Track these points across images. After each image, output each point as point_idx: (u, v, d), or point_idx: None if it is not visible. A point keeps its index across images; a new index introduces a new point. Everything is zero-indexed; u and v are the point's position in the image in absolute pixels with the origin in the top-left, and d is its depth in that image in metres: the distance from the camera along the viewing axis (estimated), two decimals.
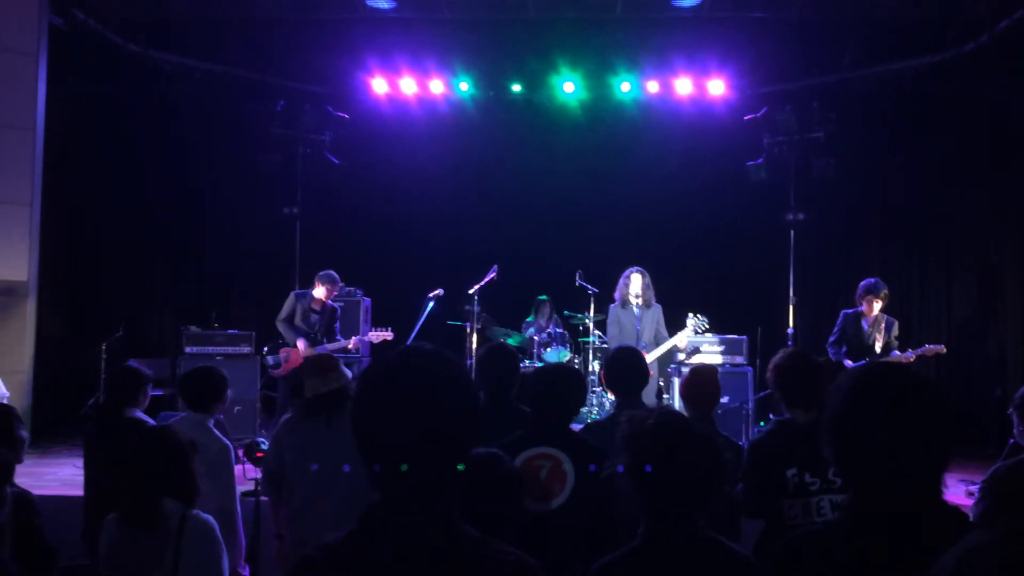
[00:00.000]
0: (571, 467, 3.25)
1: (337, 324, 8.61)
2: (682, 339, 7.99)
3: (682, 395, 4.34)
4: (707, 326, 8.26)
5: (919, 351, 7.72)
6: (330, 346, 8.35)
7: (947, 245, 10.58)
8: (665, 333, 8.21)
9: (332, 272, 8.52)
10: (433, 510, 1.52)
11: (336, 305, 8.73)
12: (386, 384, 1.56)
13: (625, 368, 4.14)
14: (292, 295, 8.54)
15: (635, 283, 8.11)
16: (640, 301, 8.09)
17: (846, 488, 1.80)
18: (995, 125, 9.83)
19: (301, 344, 8.30)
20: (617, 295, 8.34)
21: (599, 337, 9.97)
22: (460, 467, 1.54)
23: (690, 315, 8.26)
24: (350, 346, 8.45)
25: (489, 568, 1.50)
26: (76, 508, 4.74)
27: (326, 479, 3.82)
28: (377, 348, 10.10)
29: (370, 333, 8.84)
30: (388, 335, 8.72)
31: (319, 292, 8.42)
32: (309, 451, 3.90)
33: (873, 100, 10.48)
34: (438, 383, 1.54)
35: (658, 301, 8.39)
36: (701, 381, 4.26)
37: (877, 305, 7.72)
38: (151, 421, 4.69)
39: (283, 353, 8.42)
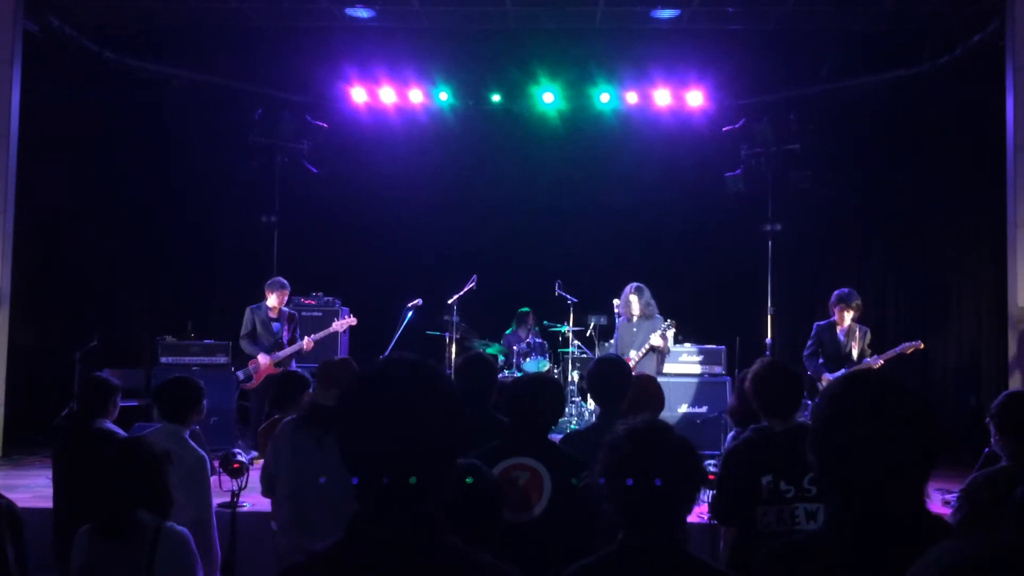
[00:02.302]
0: (548, 477, 3.24)
1: (298, 329, 8.61)
2: (655, 339, 8.02)
3: (625, 406, 4.37)
4: (672, 328, 8.28)
5: (896, 350, 7.76)
6: (290, 349, 8.37)
7: (923, 255, 10.68)
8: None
9: (280, 279, 8.60)
10: (417, 520, 1.51)
11: (293, 312, 8.75)
12: (368, 394, 1.55)
13: (606, 379, 4.14)
14: (248, 310, 8.52)
15: (633, 303, 8.15)
16: (641, 316, 8.12)
17: (822, 496, 1.80)
18: (970, 136, 9.96)
19: (262, 358, 8.30)
20: (620, 307, 8.37)
21: (579, 347, 9.98)
22: (469, 480, 1.54)
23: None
24: (305, 347, 8.43)
25: None
26: (47, 520, 4.67)
27: (311, 490, 3.80)
28: (356, 352, 10.06)
29: (335, 323, 8.80)
30: (352, 321, 8.76)
31: (272, 300, 8.43)
32: (300, 459, 3.89)
33: (850, 112, 10.59)
34: (420, 392, 1.54)
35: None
36: (640, 390, 4.30)
37: (849, 315, 7.76)
38: (121, 432, 4.63)
39: (252, 365, 8.40)
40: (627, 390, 4.16)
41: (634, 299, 8.15)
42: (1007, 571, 1.09)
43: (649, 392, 4.38)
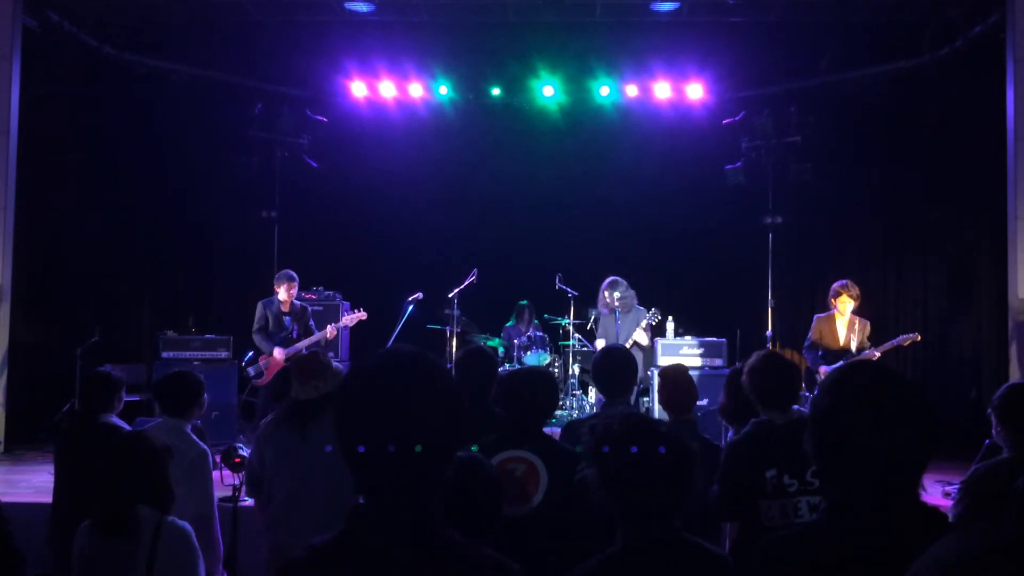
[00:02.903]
0: (545, 470, 3.25)
1: (311, 321, 8.60)
2: (640, 336, 8.04)
3: (660, 400, 4.30)
4: (659, 318, 8.29)
5: (894, 342, 7.75)
6: (307, 341, 8.33)
7: (923, 248, 10.67)
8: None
9: (287, 271, 8.53)
10: (417, 513, 1.52)
11: (305, 304, 8.73)
12: (368, 387, 1.55)
13: (610, 370, 4.14)
14: (260, 304, 8.50)
15: (607, 297, 8.21)
16: (619, 309, 8.16)
17: (825, 489, 1.81)
18: (970, 129, 9.93)
19: (278, 352, 8.28)
20: (599, 302, 8.45)
21: (579, 340, 9.98)
22: (470, 473, 1.54)
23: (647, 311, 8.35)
24: (328, 335, 8.42)
25: (471, 571, 1.51)
26: (47, 515, 4.67)
27: (301, 486, 3.79)
28: (357, 347, 10.08)
29: (344, 318, 8.80)
30: (362, 315, 8.72)
31: (282, 294, 8.41)
32: (287, 456, 3.88)
33: (850, 104, 10.57)
34: (419, 385, 1.54)
35: (639, 304, 8.43)
36: (673, 384, 4.23)
37: (849, 304, 7.73)
38: (126, 426, 4.63)
39: (262, 361, 8.39)
40: (632, 381, 4.15)
41: (607, 294, 8.21)
42: (1006, 567, 1.08)
43: (685, 384, 4.25)
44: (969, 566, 1.11)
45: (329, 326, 8.48)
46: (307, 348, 8.25)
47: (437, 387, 1.56)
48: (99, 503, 3.19)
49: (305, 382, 3.99)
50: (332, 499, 3.58)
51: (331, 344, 9.28)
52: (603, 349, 4.45)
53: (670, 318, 9.27)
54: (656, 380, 4.35)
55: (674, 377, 4.25)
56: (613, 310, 8.21)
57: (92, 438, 4.42)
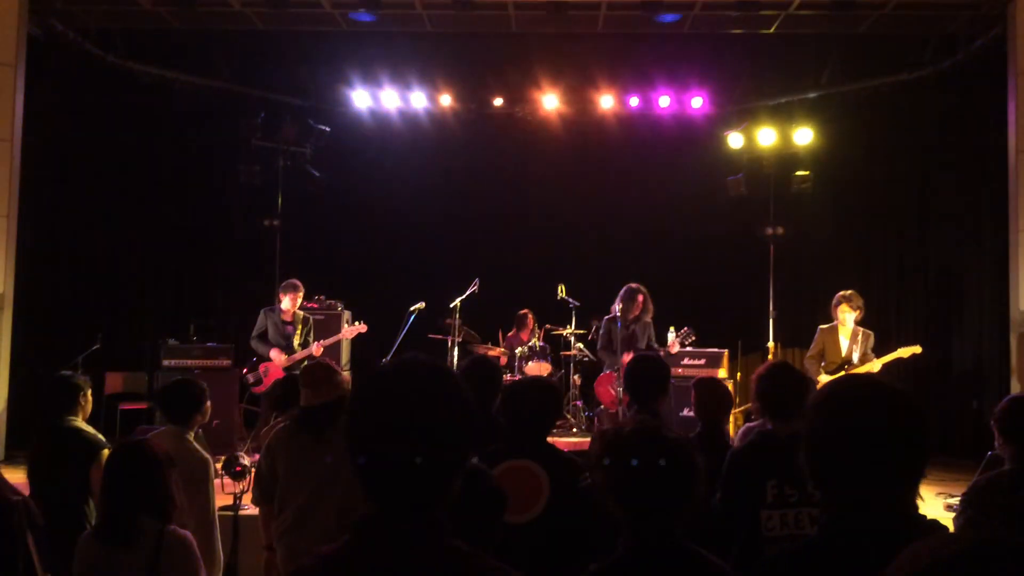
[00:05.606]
0: (547, 479, 3.25)
1: (311, 334, 8.59)
2: (675, 347, 8.13)
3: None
4: (693, 337, 8.32)
5: (895, 354, 7.75)
6: (299, 355, 8.34)
7: (925, 259, 10.67)
8: (654, 345, 8.28)
9: (293, 280, 8.52)
10: (425, 522, 1.52)
11: (307, 315, 8.73)
12: (381, 395, 1.55)
13: (642, 377, 4.18)
14: (262, 312, 8.50)
15: (640, 305, 8.16)
16: (634, 318, 8.15)
17: (821, 504, 1.80)
18: (971, 140, 9.95)
19: (275, 353, 8.26)
20: (617, 309, 8.34)
21: (580, 350, 9.98)
22: (471, 483, 1.54)
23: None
24: (315, 351, 8.41)
25: None
26: None
27: (317, 492, 3.79)
28: (359, 357, 10.08)
29: (344, 329, 8.78)
30: (362, 328, 8.70)
31: (286, 303, 8.40)
32: (302, 463, 3.87)
33: (851, 116, 10.59)
34: (432, 394, 1.54)
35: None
36: (708, 392, 4.40)
37: (851, 315, 7.74)
38: (91, 431, 4.57)
39: (262, 369, 8.38)
40: (664, 388, 4.19)
41: (640, 300, 8.15)
42: (996, 563, 1.08)
43: (718, 394, 4.44)
44: (958, 560, 1.11)
45: (315, 343, 8.43)
46: (294, 363, 8.27)
47: (450, 397, 1.55)
48: (100, 511, 3.19)
49: (317, 386, 3.98)
50: (348, 504, 3.57)
51: (333, 351, 9.27)
52: (637, 357, 4.51)
53: (671, 329, 9.26)
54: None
55: (712, 387, 4.46)
56: (631, 318, 8.13)
57: (56, 442, 4.42)
